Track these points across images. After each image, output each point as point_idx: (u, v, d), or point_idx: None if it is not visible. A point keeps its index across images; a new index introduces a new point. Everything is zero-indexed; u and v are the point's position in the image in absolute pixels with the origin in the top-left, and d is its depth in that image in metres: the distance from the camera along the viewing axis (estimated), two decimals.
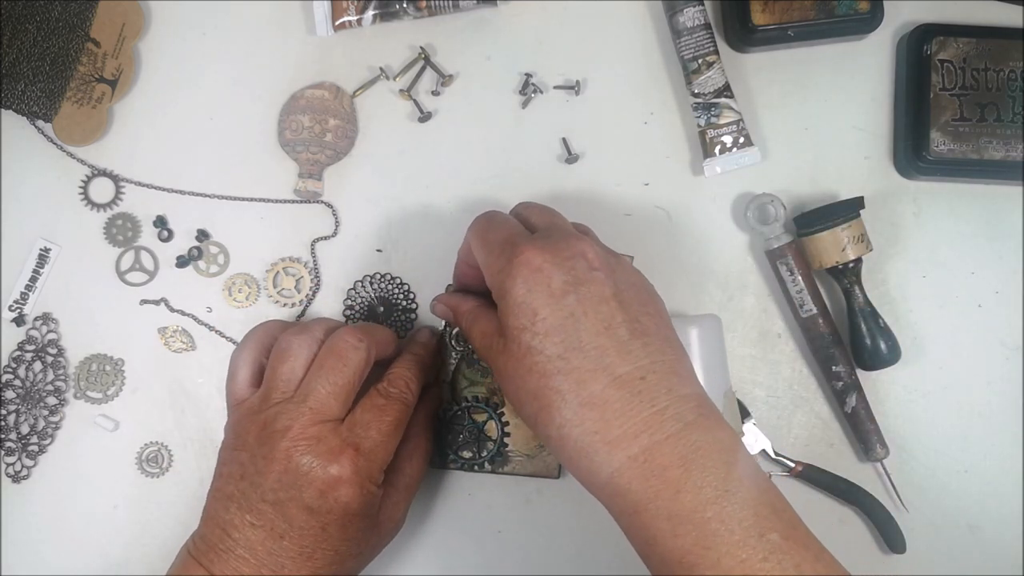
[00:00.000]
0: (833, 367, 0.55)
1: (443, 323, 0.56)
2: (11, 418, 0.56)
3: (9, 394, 0.56)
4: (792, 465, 0.55)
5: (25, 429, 0.56)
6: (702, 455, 0.39)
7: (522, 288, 0.42)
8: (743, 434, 0.55)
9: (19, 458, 0.56)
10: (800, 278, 0.55)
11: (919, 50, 0.56)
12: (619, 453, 0.40)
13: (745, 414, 0.56)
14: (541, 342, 0.41)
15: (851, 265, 0.54)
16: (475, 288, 0.51)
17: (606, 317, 0.41)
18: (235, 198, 0.58)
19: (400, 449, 0.50)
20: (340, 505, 0.45)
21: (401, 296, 0.57)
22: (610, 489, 0.40)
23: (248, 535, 0.45)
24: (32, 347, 0.56)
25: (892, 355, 0.55)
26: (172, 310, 0.57)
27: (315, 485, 0.45)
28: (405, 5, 0.57)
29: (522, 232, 0.45)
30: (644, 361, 0.41)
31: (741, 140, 0.56)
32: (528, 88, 0.58)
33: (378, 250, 0.58)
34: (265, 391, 0.48)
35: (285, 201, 0.58)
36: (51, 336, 0.57)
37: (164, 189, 0.58)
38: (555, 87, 0.58)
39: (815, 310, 0.55)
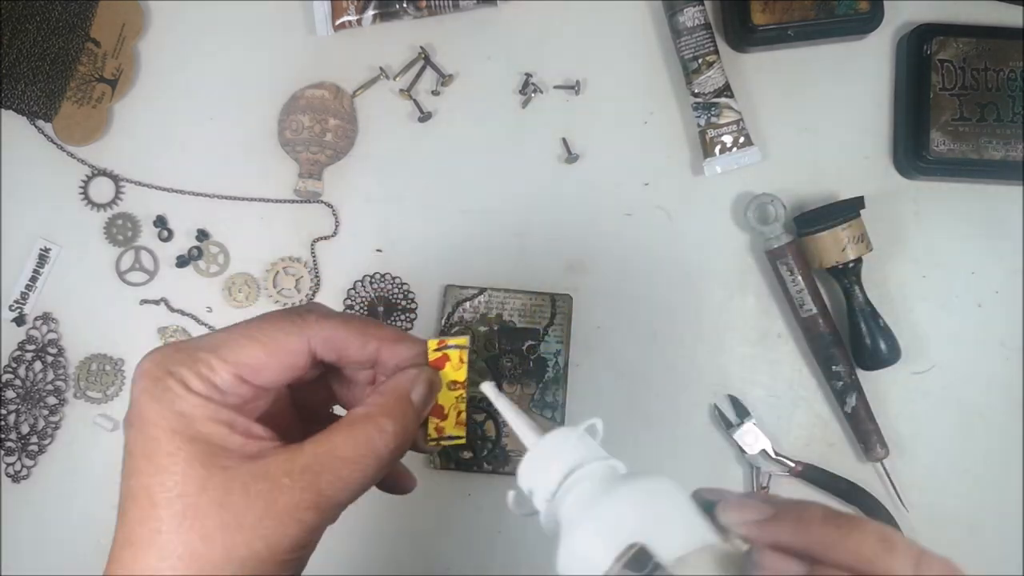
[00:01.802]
0: (833, 367, 0.55)
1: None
2: (11, 418, 0.56)
3: (9, 394, 0.56)
4: (792, 465, 0.55)
5: (25, 429, 0.56)
6: None
7: None
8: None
9: (19, 458, 0.56)
10: (800, 278, 0.55)
11: (919, 50, 0.56)
12: None
13: (745, 414, 0.56)
14: None
15: (851, 265, 0.54)
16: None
17: None
18: (235, 198, 0.58)
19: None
20: None
21: (401, 296, 0.57)
22: None
23: None
24: (32, 347, 0.56)
25: (892, 355, 0.55)
26: (172, 310, 0.57)
27: None
28: (405, 5, 0.57)
29: None
30: None
31: (741, 140, 0.56)
32: (528, 88, 0.58)
33: (378, 250, 0.58)
34: None
35: (285, 201, 0.58)
36: (51, 336, 0.57)
37: (164, 189, 0.58)
38: (555, 87, 0.58)
39: (815, 310, 0.55)
